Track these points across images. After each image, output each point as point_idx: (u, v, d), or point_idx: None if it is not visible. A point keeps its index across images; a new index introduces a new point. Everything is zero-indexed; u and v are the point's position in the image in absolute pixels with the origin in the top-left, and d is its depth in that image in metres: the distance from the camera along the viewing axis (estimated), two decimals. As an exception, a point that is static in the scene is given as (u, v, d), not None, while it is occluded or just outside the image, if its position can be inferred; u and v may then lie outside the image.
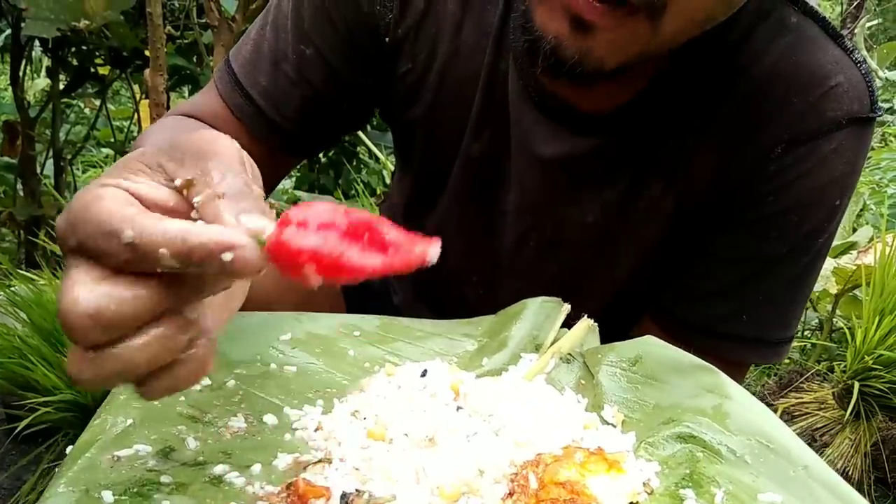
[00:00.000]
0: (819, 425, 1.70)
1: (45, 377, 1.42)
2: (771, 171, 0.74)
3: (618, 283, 0.86)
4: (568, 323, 0.70)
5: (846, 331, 1.75)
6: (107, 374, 0.36)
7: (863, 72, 0.73)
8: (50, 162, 2.35)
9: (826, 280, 1.85)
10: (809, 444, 0.50)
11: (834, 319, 1.96)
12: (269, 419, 0.56)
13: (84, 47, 2.11)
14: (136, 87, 2.34)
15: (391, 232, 0.37)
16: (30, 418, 1.41)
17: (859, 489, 1.57)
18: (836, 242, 1.88)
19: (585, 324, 0.70)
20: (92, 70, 2.19)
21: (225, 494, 0.47)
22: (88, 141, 2.69)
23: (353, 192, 2.67)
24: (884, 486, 1.63)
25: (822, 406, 1.73)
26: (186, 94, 2.79)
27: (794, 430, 0.51)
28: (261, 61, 0.80)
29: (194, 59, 2.18)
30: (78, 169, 3.08)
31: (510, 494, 0.47)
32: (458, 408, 0.56)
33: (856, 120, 0.73)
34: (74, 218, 0.36)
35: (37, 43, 2.16)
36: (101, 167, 3.54)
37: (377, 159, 2.71)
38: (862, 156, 0.76)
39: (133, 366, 0.36)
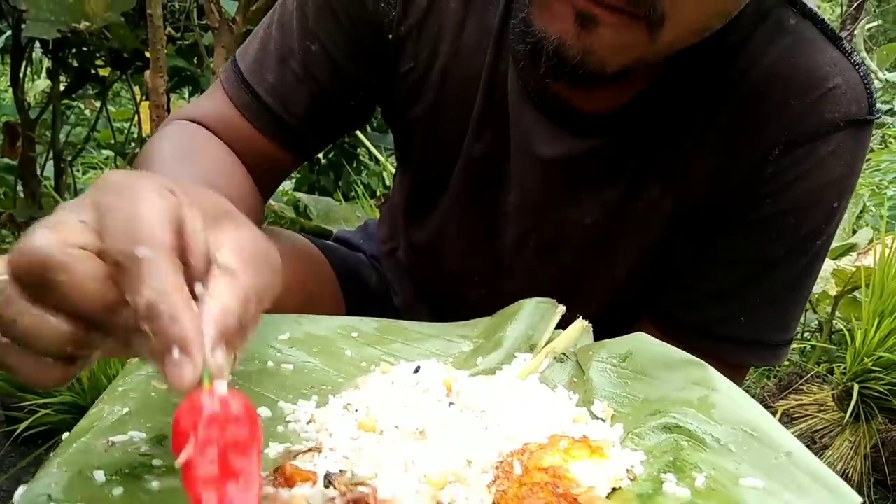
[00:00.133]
0: (819, 427, 1.70)
1: (44, 378, 1.42)
2: (769, 173, 0.74)
3: (617, 284, 0.86)
4: (565, 325, 0.70)
5: (846, 333, 1.75)
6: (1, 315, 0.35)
7: (861, 74, 0.73)
8: (50, 163, 2.35)
9: (826, 282, 1.85)
10: (809, 447, 0.50)
11: (833, 321, 1.96)
12: (263, 412, 0.56)
13: (84, 49, 2.11)
14: (136, 89, 2.34)
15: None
16: (29, 420, 1.42)
17: (859, 491, 1.57)
18: (835, 244, 1.88)
19: (580, 324, 0.70)
20: (92, 71, 2.19)
21: None
22: (89, 142, 2.69)
23: (352, 193, 2.67)
24: (883, 488, 1.63)
25: (822, 408, 1.73)
26: (187, 96, 2.80)
27: (793, 433, 0.51)
28: (267, 59, 0.81)
29: (195, 61, 2.18)
30: (78, 170, 3.08)
31: (495, 480, 0.47)
32: (451, 403, 0.57)
33: (854, 122, 0.73)
34: (123, 188, 0.36)
35: (37, 44, 2.16)
36: (101, 168, 3.55)
37: (377, 161, 2.71)
38: (860, 158, 0.76)
39: (21, 331, 0.35)
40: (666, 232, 0.80)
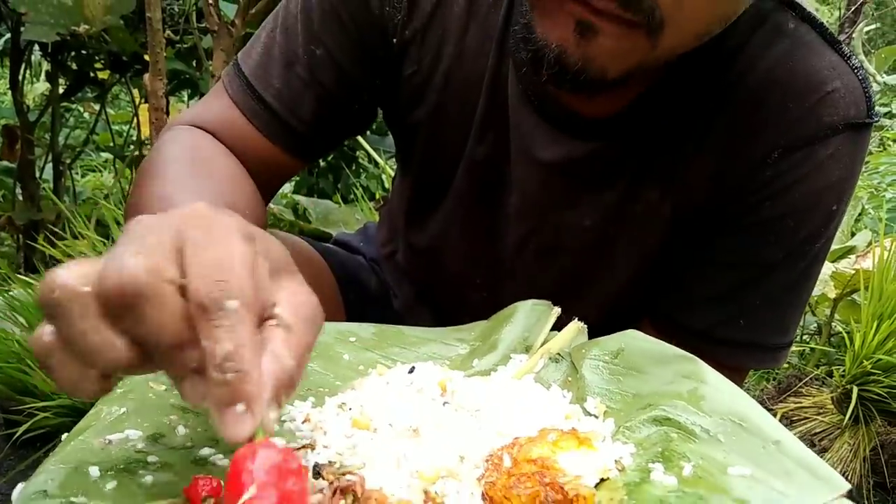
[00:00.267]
0: (818, 430, 1.70)
1: (43, 382, 1.42)
2: (767, 176, 0.74)
3: (617, 286, 0.86)
4: (561, 327, 0.71)
5: (845, 335, 1.75)
6: (70, 316, 0.36)
7: (860, 77, 0.73)
8: (49, 166, 2.35)
9: (824, 284, 1.85)
10: (798, 440, 0.51)
11: (833, 324, 1.96)
12: None
13: (83, 52, 2.11)
14: (135, 92, 2.34)
15: None
16: (28, 423, 1.41)
17: (858, 494, 1.57)
18: (834, 247, 1.88)
19: (575, 326, 0.70)
20: (91, 74, 2.20)
21: (209, 472, 0.48)
22: (88, 145, 2.69)
23: (351, 196, 2.68)
24: (883, 490, 1.63)
25: (821, 411, 1.73)
26: (186, 99, 2.80)
27: (792, 435, 0.51)
28: (272, 64, 0.80)
29: (194, 64, 2.19)
30: (77, 173, 3.08)
31: (484, 472, 0.48)
32: (445, 403, 0.57)
33: (852, 125, 0.73)
34: (210, 227, 0.37)
35: (36, 47, 2.16)
36: (100, 171, 3.55)
37: (376, 164, 2.71)
38: (859, 161, 0.76)
39: (84, 342, 0.36)
40: (665, 235, 0.80)
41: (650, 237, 0.81)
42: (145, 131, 2.29)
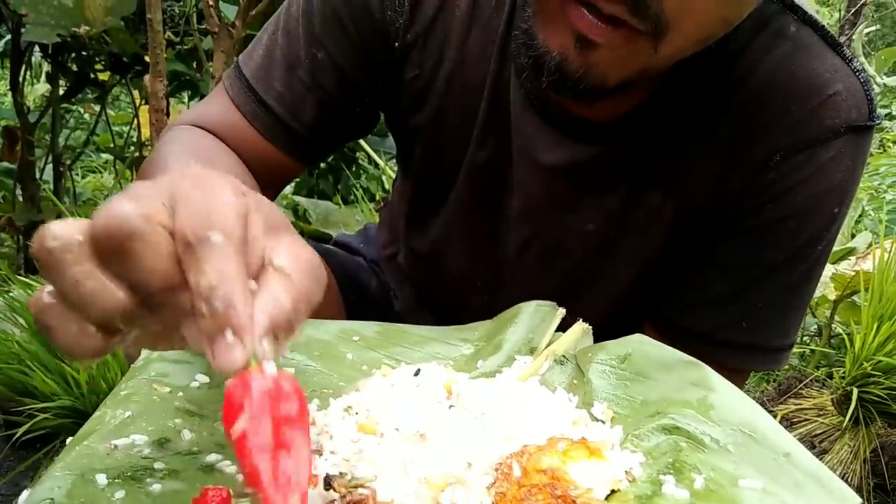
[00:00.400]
0: (818, 431, 1.70)
1: (43, 383, 1.42)
2: (769, 178, 0.74)
3: (618, 290, 0.86)
4: (565, 328, 0.71)
5: (845, 337, 1.76)
6: (64, 267, 0.36)
7: (862, 80, 0.73)
8: (49, 167, 2.35)
9: (825, 286, 1.85)
10: (808, 451, 0.51)
11: (833, 325, 1.96)
12: None
13: (84, 53, 2.11)
14: (135, 93, 2.34)
15: (299, 475, 0.36)
16: (28, 424, 1.41)
17: (858, 495, 1.57)
18: (834, 248, 1.88)
19: (580, 327, 0.70)
20: (92, 75, 2.20)
21: (216, 480, 0.48)
22: (88, 146, 2.70)
23: (351, 197, 2.68)
24: (883, 492, 1.63)
25: (822, 412, 1.73)
26: (186, 100, 2.80)
27: (793, 437, 0.51)
28: (274, 67, 0.80)
29: (194, 65, 2.19)
30: (77, 174, 3.08)
31: (494, 482, 0.48)
32: (451, 406, 0.57)
33: (854, 128, 0.73)
34: (204, 180, 0.38)
35: (37, 48, 2.16)
36: (100, 172, 3.55)
37: (376, 165, 2.71)
38: (861, 163, 0.76)
39: (78, 290, 0.36)
40: (667, 238, 0.80)
41: (652, 240, 0.81)
42: (146, 132, 2.29)
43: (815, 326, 2.11)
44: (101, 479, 0.46)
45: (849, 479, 1.57)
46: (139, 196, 0.37)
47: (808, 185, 0.74)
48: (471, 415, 0.55)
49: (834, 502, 0.44)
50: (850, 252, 2.06)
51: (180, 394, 0.57)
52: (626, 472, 0.49)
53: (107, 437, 0.50)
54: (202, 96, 2.14)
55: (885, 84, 4.30)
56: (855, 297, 1.87)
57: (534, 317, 0.71)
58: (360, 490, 0.45)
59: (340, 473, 0.47)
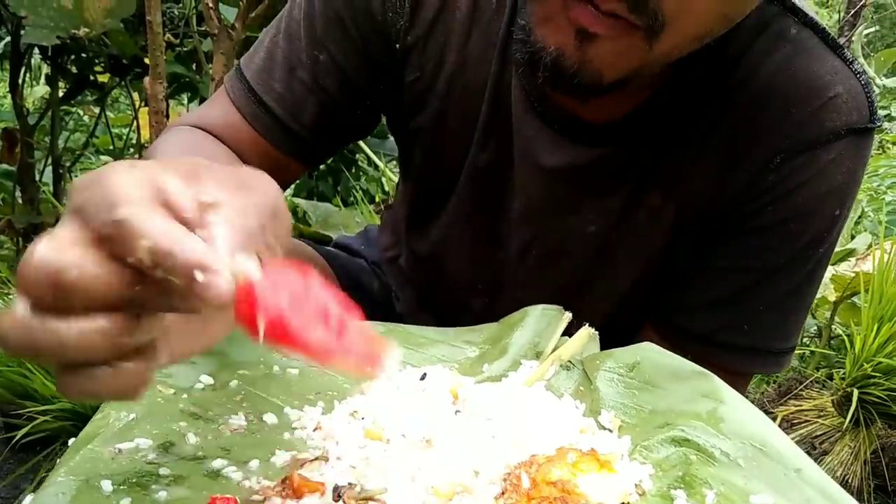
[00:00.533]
0: (818, 433, 1.70)
1: (43, 386, 1.42)
2: (770, 181, 0.74)
3: (620, 292, 0.86)
4: (569, 332, 0.70)
5: (845, 338, 1.76)
6: (35, 343, 0.34)
7: (862, 82, 0.73)
8: (49, 169, 2.35)
9: (825, 287, 1.85)
10: (809, 452, 0.51)
11: (833, 327, 1.96)
12: (270, 418, 0.57)
13: (83, 55, 2.11)
14: (135, 95, 2.34)
15: (359, 327, 0.36)
16: (28, 427, 1.41)
17: (859, 497, 1.57)
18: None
19: (586, 332, 0.70)
20: (91, 78, 2.20)
21: (222, 487, 0.48)
22: (87, 148, 2.69)
23: (351, 199, 2.68)
24: (884, 493, 1.63)
25: (822, 414, 1.73)
26: (186, 102, 2.80)
27: (793, 438, 0.51)
28: (275, 68, 0.80)
29: (194, 67, 2.18)
30: (77, 176, 3.08)
31: (502, 493, 0.47)
32: (457, 411, 0.57)
33: (855, 130, 0.73)
34: (91, 180, 0.36)
35: (36, 50, 2.16)
36: (99, 174, 3.54)
37: (376, 167, 2.71)
38: (861, 166, 0.76)
39: (63, 348, 0.34)
40: (668, 240, 0.80)
41: (653, 242, 0.81)
42: (145, 134, 2.29)
43: (816, 328, 2.11)
44: (107, 485, 0.45)
45: (849, 481, 1.57)
46: (48, 237, 0.35)
47: (808, 188, 0.74)
48: (477, 420, 0.55)
49: None
50: (850, 253, 2.06)
51: (185, 395, 0.57)
52: (635, 484, 0.49)
53: (111, 441, 0.50)
54: (202, 98, 2.14)
55: (884, 85, 4.30)
56: (855, 299, 1.87)
57: (540, 321, 0.71)
58: (370, 503, 0.45)
59: (349, 484, 0.47)
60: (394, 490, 0.46)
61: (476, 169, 0.82)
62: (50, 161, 2.30)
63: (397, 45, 0.79)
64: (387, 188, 2.89)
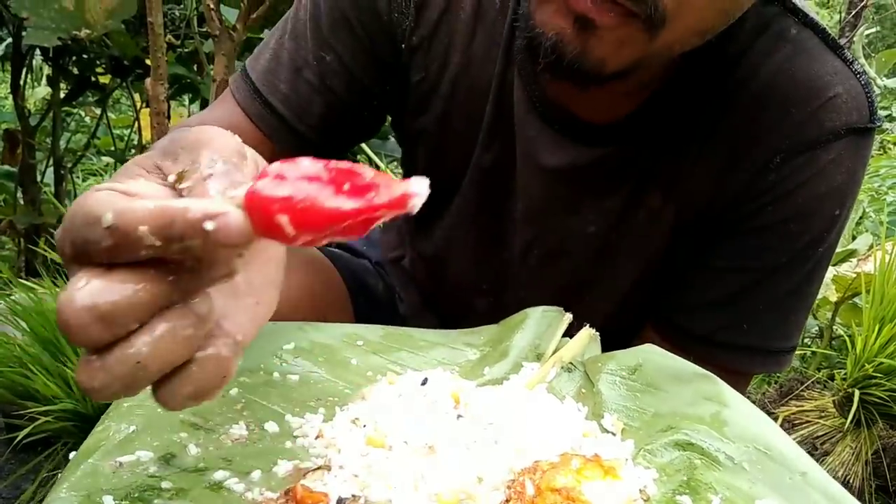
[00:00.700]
0: (819, 433, 1.70)
1: (45, 386, 1.42)
2: (770, 180, 0.74)
3: (620, 292, 0.86)
4: (570, 332, 0.70)
5: (846, 339, 1.75)
6: (117, 377, 0.34)
7: (862, 83, 0.73)
8: (50, 170, 2.35)
9: (826, 288, 1.85)
10: (810, 453, 0.51)
11: (834, 327, 1.96)
12: (271, 427, 0.56)
13: (85, 56, 2.11)
14: (136, 96, 2.34)
15: (373, 175, 0.35)
16: (29, 428, 1.41)
17: (860, 498, 1.57)
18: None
19: (587, 333, 0.70)
20: (92, 79, 2.20)
21: (224, 500, 0.48)
22: (89, 149, 2.69)
23: (352, 200, 2.67)
24: (885, 494, 1.63)
25: (823, 414, 1.73)
26: (187, 103, 2.80)
27: (794, 439, 0.51)
28: (280, 69, 0.80)
29: (195, 68, 2.18)
30: (78, 177, 3.08)
31: (507, 501, 0.47)
32: (459, 416, 0.56)
33: (855, 130, 0.73)
34: (67, 221, 0.35)
35: (37, 52, 2.16)
36: (101, 175, 3.54)
37: (377, 168, 2.71)
38: (861, 166, 0.76)
39: (143, 365, 0.34)
40: (668, 240, 0.80)
41: (653, 242, 0.81)
42: (146, 135, 2.29)
43: (817, 328, 2.11)
44: (109, 500, 0.45)
45: (850, 482, 1.57)
46: (68, 286, 0.34)
47: (808, 188, 0.74)
48: (479, 425, 0.55)
49: None
50: (852, 254, 2.05)
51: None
52: (640, 490, 0.49)
53: (112, 454, 0.49)
54: (203, 99, 2.14)
55: (885, 86, 4.29)
56: (856, 299, 1.87)
57: (540, 322, 0.71)
58: None
59: (353, 496, 0.47)
60: (397, 499, 0.46)
61: (480, 170, 0.82)
62: (51, 162, 2.30)
63: (403, 46, 0.79)
64: (387, 189, 2.88)
